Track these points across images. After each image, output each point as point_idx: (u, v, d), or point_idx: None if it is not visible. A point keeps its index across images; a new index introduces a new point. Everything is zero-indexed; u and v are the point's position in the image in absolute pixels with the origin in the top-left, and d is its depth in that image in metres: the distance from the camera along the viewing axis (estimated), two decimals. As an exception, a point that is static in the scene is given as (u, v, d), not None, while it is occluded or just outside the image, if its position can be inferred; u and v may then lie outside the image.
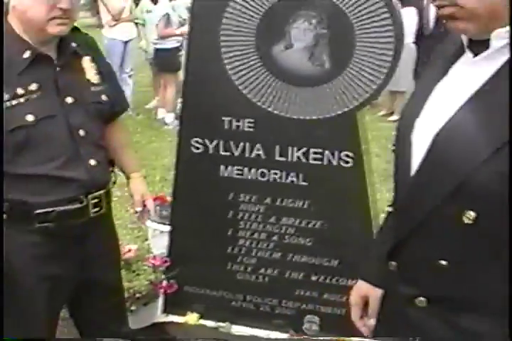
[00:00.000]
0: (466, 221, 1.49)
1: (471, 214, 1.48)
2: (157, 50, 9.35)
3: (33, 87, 2.29)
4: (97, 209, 2.53)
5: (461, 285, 1.57)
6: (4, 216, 2.37)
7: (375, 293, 2.01)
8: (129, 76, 10.08)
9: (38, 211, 2.37)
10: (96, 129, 2.53)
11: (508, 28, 1.45)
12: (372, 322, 2.05)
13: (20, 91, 2.26)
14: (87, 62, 2.52)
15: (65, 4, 2.26)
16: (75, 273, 2.59)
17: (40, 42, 2.34)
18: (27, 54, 2.30)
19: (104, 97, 2.57)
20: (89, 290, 2.72)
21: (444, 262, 1.56)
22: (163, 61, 9.36)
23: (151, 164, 7.23)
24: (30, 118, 2.27)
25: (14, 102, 2.25)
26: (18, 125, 2.26)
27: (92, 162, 2.47)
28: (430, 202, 1.56)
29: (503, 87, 1.44)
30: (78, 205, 2.44)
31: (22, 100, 2.26)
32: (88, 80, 2.51)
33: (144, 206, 2.89)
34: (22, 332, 2.56)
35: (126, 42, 9.80)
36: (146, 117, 9.86)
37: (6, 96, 2.24)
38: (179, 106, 3.52)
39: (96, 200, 2.51)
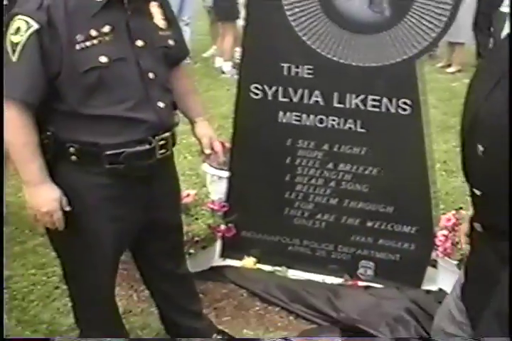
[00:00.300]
0: (479, 153, 1.76)
1: (480, 147, 1.75)
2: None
3: (106, 29, 2.41)
4: (163, 151, 2.64)
5: (494, 214, 1.80)
6: (73, 157, 2.51)
7: None
8: (186, 24, 10.16)
9: (108, 152, 2.49)
10: (164, 73, 2.65)
11: None
12: None
13: (93, 33, 2.38)
14: (154, 7, 2.64)
15: None
16: (141, 214, 2.73)
17: None
18: None
19: (170, 42, 2.68)
20: (152, 231, 2.87)
21: (477, 191, 1.82)
22: (222, 9, 9.42)
23: (208, 112, 7.35)
24: (103, 59, 2.39)
25: (88, 44, 2.38)
26: (92, 66, 2.38)
27: (161, 104, 2.58)
28: (463, 133, 1.92)
29: None
30: (147, 147, 2.55)
31: (95, 42, 2.39)
32: (156, 25, 2.63)
33: (212, 149, 3.00)
34: (89, 274, 2.75)
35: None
36: (204, 65, 9.99)
37: (79, 38, 2.37)
38: (237, 54, 3.64)
39: (163, 142, 2.62)
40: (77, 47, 2.35)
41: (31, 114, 2.41)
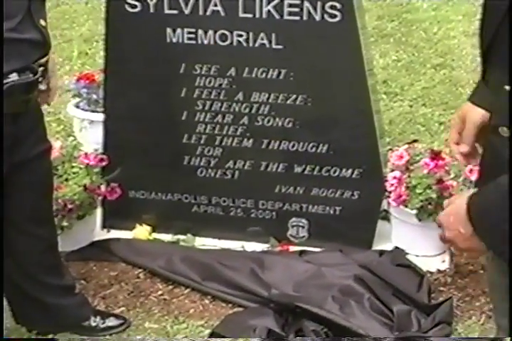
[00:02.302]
0: None
1: None
2: None
3: None
4: (41, 80, 2.76)
5: None
6: None
7: (474, 114, 2.32)
8: None
9: None
10: None
11: None
12: (464, 148, 2.34)
13: None
14: None
15: None
16: (17, 156, 2.81)
17: None
18: None
19: None
20: (18, 174, 2.91)
21: (507, 87, 1.94)
22: None
23: (64, 35, 7.28)
24: None
25: None
26: None
27: (42, 22, 2.67)
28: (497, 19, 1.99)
29: None
30: (31, 76, 2.65)
31: None
32: None
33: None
34: None
35: None
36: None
37: None
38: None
39: (42, 68, 2.72)
40: None
41: None
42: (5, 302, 3.24)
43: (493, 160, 2.15)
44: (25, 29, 2.60)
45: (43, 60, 2.71)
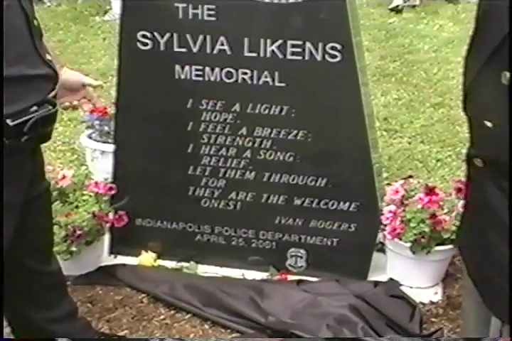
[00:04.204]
0: (503, 81, 1.92)
1: (507, 75, 1.90)
2: None
3: None
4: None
5: (507, 148, 1.98)
6: None
7: None
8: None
9: (11, 124, 2.56)
10: (37, 18, 2.74)
11: None
12: None
13: None
14: None
15: None
16: (26, 193, 2.78)
17: None
18: None
19: None
20: (33, 208, 2.90)
21: (488, 123, 2.02)
22: None
23: (81, 69, 7.32)
24: None
25: None
26: None
27: (48, 56, 2.68)
28: (479, 60, 2.04)
29: None
30: (51, 108, 2.64)
31: None
32: None
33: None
34: None
35: None
36: (71, 8, 9.87)
37: None
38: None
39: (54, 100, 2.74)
40: None
41: None
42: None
43: (475, 193, 2.23)
44: (36, 65, 2.62)
45: (54, 92, 2.73)
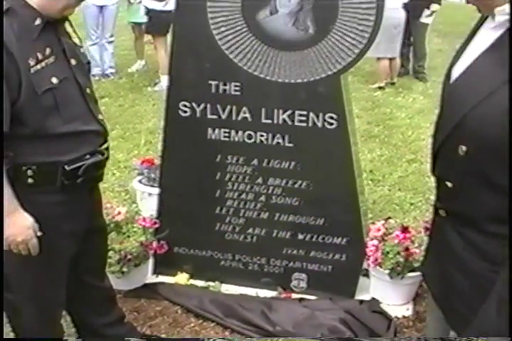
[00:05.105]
0: (460, 153, 1.94)
1: (463, 148, 1.93)
2: (148, 12, 9.34)
3: (48, 51, 2.48)
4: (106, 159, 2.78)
5: (464, 203, 2.00)
6: (30, 180, 2.53)
7: None
8: (109, 42, 10.13)
9: (68, 168, 2.56)
10: (92, 87, 2.75)
11: (507, 5, 1.88)
12: None
13: (40, 56, 2.44)
14: (68, 26, 2.72)
15: None
16: (86, 224, 2.80)
17: (46, 12, 2.50)
18: (38, 21, 2.47)
19: (88, 58, 2.82)
20: (93, 238, 2.93)
21: (449, 183, 2.03)
22: (154, 24, 9.29)
23: (135, 128, 7.36)
24: (54, 80, 2.47)
25: (39, 66, 2.43)
26: (48, 87, 2.44)
27: (100, 116, 2.70)
28: (442, 134, 2.06)
29: (500, 49, 1.88)
30: (100, 157, 2.68)
31: (44, 64, 2.45)
32: (75, 43, 2.72)
33: None
34: (49, 290, 2.78)
35: (102, 7, 9.82)
36: (129, 80, 9.93)
37: (31, 61, 2.40)
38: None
39: (107, 151, 2.75)
40: (32, 70, 2.40)
41: None
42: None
43: (439, 235, 2.22)
44: (90, 123, 2.62)
45: (106, 145, 2.74)
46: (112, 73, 10.15)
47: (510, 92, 1.80)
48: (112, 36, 10.18)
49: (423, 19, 10.19)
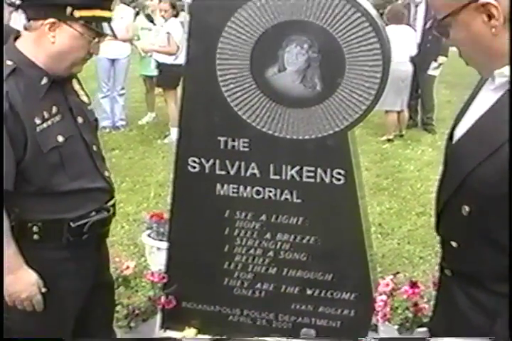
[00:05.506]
0: (463, 213, 1.96)
1: (466, 208, 1.96)
2: (159, 65, 9.49)
3: (54, 110, 2.54)
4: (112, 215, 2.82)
5: (469, 263, 2.02)
6: (35, 236, 2.57)
7: None
8: (120, 95, 10.27)
9: (73, 225, 2.59)
10: (99, 144, 2.79)
11: (506, 67, 1.92)
12: None
13: (46, 114, 2.50)
14: (76, 84, 2.78)
15: (97, 50, 2.56)
16: (92, 280, 2.83)
17: (53, 71, 2.57)
18: (44, 80, 2.53)
19: (96, 115, 2.90)
20: (99, 293, 2.95)
21: (454, 243, 2.04)
22: (165, 77, 9.42)
23: (144, 180, 7.42)
24: (60, 138, 2.53)
25: (45, 125, 2.49)
26: (53, 146, 2.50)
27: (106, 173, 2.76)
28: (446, 194, 2.09)
29: (501, 111, 1.91)
30: (106, 214, 2.69)
31: (49, 123, 2.51)
32: (83, 101, 2.78)
33: None
34: None
35: (114, 61, 9.98)
36: (139, 133, 10.04)
37: (37, 120, 2.46)
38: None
39: (112, 208, 2.80)
40: (38, 129, 2.45)
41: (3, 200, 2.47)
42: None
43: (445, 294, 2.24)
44: (96, 180, 2.67)
45: (113, 201, 2.77)
46: (122, 125, 10.26)
47: (511, 153, 1.83)
48: (123, 89, 10.33)
49: (430, 71, 10.31)
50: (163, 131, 9.68)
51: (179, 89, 9.06)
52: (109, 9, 2.64)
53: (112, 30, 2.67)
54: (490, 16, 1.88)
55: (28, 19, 2.56)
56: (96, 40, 2.61)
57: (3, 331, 2.55)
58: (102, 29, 2.60)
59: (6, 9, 5.35)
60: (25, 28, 2.59)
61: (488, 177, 1.90)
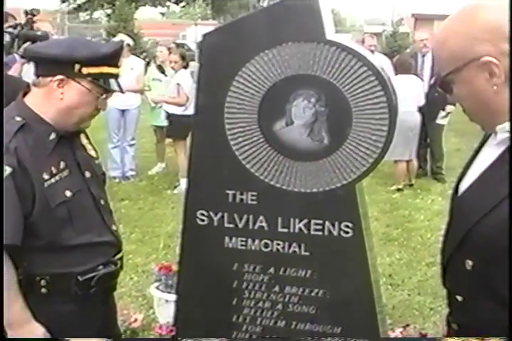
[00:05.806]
0: (467, 267, 1.98)
1: (469, 263, 1.98)
2: (169, 116, 9.60)
3: (62, 165, 2.59)
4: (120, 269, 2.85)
5: (474, 318, 2.02)
6: (43, 290, 2.59)
7: None
8: (130, 145, 10.35)
9: (81, 279, 2.61)
10: (107, 197, 2.82)
11: (507, 123, 1.97)
12: None
13: (54, 170, 2.54)
14: (83, 139, 2.84)
15: (104, 106, 2.62)
16: (101, 332, 2.84)
17: (61, 127, 2.62)
18: (52, 136, 2.58)
19: (104, 169, 2.91)
20: None
21: (459, 297, 2.06)
22: (174, 127, 9.51)
23: (154, 231, 7.44)
24: (68, 193, 2.58)
25: (53, 180, 2.54)
26: (61, 200, 2.54)
27: (114, 227, 2.79)
28: (450, 248, 2.12)
29: (501, 167, 1.94)
30: (113, 267, 2.71)
31: (57, 178, 2.56)
32: (90, 155, 2.83)
33: None
34: None
35: (124, 111, 10.09)
36: (149, 183, 10.08)
37: (45, 175, 2.51)
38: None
39: (120, 261, 2.84)
40: (45, 184, 2.50)
41: (10, 254, 2.49)
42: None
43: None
44: (104, 234, 2.70)
45: (120, 255, 2.79)
46: (132, 175, 10.32)
47: (510, 208, 1.85)
48: (133, 139, 10.42)
49: (439, 120, 10.37)
50: (172, 182, 9.72)
51: (189, 140, 9.11)
52: (116, 66, 2.70)
53: (119, 86, 2.73)
54: (491, 74, 1.92)
55: (37, 75, 2.62)
56: (103, 96, 2.67)
57: (3, 331, 2.58)
58: (109, 85, 2.66)
59: (19, 62, 5.47)
60: (34, 85, 2.66)
61: (490, 232, 1.92)
